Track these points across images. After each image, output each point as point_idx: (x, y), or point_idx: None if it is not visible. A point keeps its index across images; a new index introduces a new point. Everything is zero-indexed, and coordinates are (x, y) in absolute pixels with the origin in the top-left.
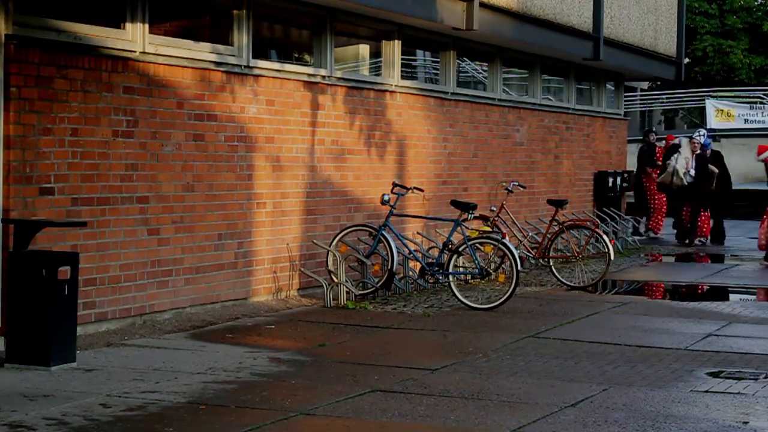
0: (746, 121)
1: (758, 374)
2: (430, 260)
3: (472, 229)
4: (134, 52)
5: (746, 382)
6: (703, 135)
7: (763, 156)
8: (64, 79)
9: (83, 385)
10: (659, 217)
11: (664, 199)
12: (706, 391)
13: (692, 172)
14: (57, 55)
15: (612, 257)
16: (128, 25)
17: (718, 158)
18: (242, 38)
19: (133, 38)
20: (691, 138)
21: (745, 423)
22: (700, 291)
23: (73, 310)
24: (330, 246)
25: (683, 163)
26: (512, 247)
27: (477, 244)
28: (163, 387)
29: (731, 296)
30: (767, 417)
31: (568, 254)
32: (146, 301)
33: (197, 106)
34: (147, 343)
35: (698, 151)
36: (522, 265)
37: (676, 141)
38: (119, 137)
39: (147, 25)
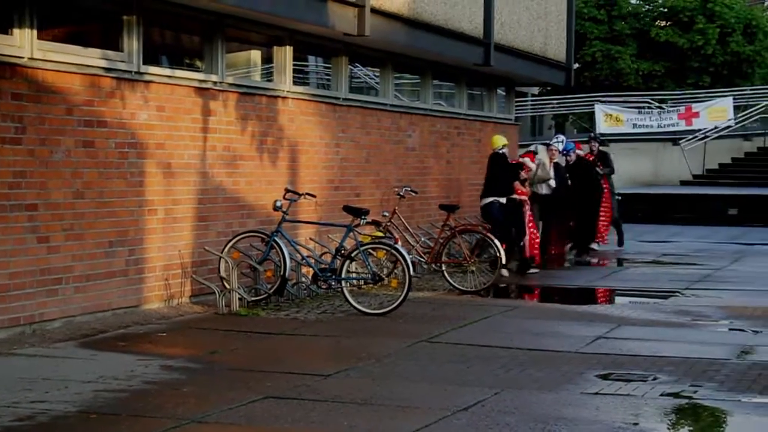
0: (634, 125)
1: (647, 376)
2: (323, 266)
3: (364, 235)
4: (22, 58)
5: (635, 384)
6: (562, 141)
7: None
8: None
9: None
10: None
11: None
12: (596, 393)
13: (552, 182)
14: None
15: (503, 261)
16: (16, 31)
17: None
18: (132, 44)
19: (21, 44)
20: (548, 145)
21: (635, 424)
22: (590, 294)
23: None
24: (222, 252)
25: (544, 171)
26: (404, 252)
27: (370, 250)
28: (53, 396)
29: (620, 299)
30: (657, 418)
31: (460, 259)
32: (36, 310)
33: (87, 113)
34: (37, 352)
35: (556, 159)
36: (414, 270)
37: (532, 148)
38: (7, 144)
39: (35, 31)
